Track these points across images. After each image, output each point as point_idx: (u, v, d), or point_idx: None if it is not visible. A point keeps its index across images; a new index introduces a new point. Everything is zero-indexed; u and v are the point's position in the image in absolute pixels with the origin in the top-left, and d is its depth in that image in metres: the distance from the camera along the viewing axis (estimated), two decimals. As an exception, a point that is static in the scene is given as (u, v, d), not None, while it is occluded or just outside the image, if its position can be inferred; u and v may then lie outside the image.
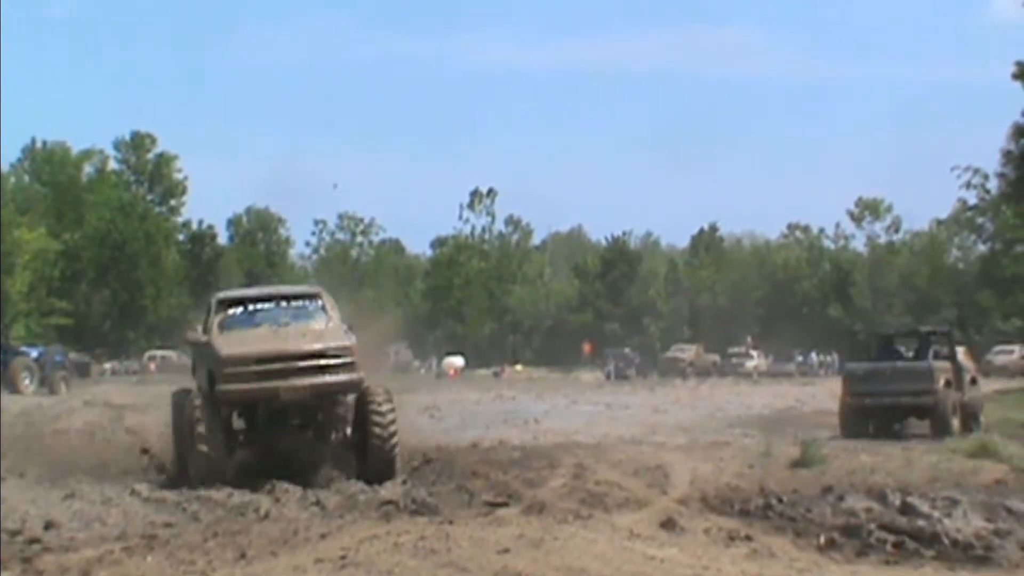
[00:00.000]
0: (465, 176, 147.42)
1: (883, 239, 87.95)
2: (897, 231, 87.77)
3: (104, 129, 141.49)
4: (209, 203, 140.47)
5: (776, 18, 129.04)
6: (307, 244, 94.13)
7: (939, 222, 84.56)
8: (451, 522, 11.09)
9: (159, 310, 77.25)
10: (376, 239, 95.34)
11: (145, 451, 17.09)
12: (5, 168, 76.36)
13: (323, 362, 14.97)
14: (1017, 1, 44.99)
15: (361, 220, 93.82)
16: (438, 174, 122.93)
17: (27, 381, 35.39)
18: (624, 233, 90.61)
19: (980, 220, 59.83)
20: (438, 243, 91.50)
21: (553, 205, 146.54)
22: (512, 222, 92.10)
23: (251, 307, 16.26)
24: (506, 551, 9.54)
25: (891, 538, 10.58)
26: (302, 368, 14.92)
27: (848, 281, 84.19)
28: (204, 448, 14.50)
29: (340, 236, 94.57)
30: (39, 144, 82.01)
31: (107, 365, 66.43)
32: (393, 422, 15.00)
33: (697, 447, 19.22)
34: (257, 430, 15.60)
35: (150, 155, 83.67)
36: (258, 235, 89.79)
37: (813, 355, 71.45)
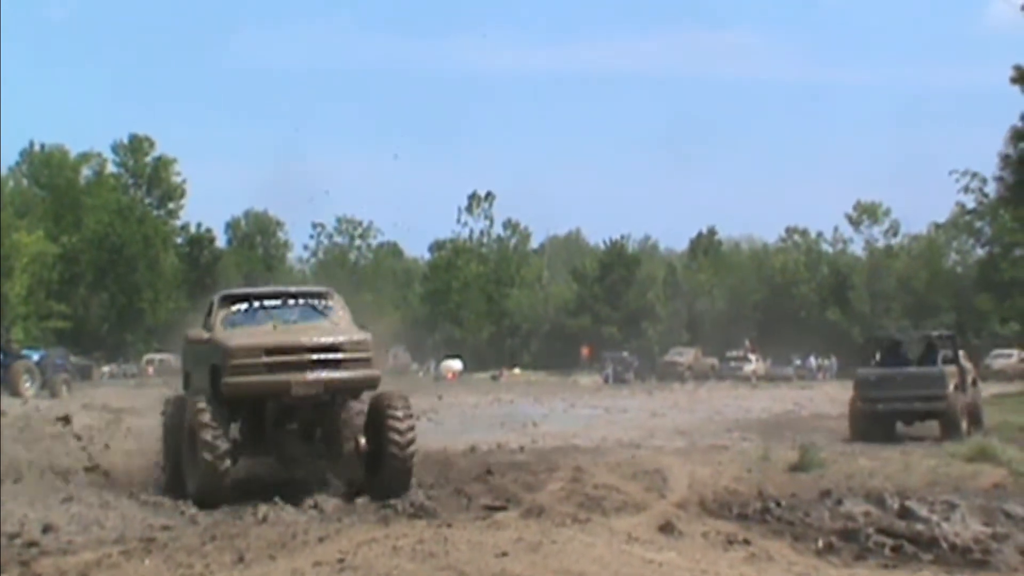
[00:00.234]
0: (463, 179, 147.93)
1: (881, 243, 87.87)
2: (895, 235, 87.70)
3: (102, 132, 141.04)
4: (207, 206, 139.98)
5: (775, 21, 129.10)
6: (305, 247, 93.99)
7: (937, 226, 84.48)
8: (449, 526, 11.06)
9: (157, 313, 77.05)
10: (374, 242, 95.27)
11: (90, 469, 15.68)
12: (3, 171, 76.53)
13: (338, 356, 13.83)
14: (1016, 5, 45.01)
15: (359, 223, 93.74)
16: (436, 177, 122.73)
17: (28, 384, 35.33)
18: (622, 237, 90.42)
19: (978, 224, 59.78)
20: (436, 246, 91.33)
21: (551, 208, 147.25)
22: (510, 226, 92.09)
23: (256, 304, 15.04)
24: (504, 555, 9.54)
25: (889, 542, 10.60)
26: (315, 361, 13.75)
27: (846, 285, 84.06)
28: (208, 457, 13.29)
29: (338, 239, 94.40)
30: (37, 147, 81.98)
31: (105, 368, 66.29)
32: (412, 429, 13.95)
33: (695, 451, 19.23)
34: (261, 437, 14.34)
35: (148, 158, 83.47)
36: (256, 238, 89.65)
37: (811, 359, 71.53)
